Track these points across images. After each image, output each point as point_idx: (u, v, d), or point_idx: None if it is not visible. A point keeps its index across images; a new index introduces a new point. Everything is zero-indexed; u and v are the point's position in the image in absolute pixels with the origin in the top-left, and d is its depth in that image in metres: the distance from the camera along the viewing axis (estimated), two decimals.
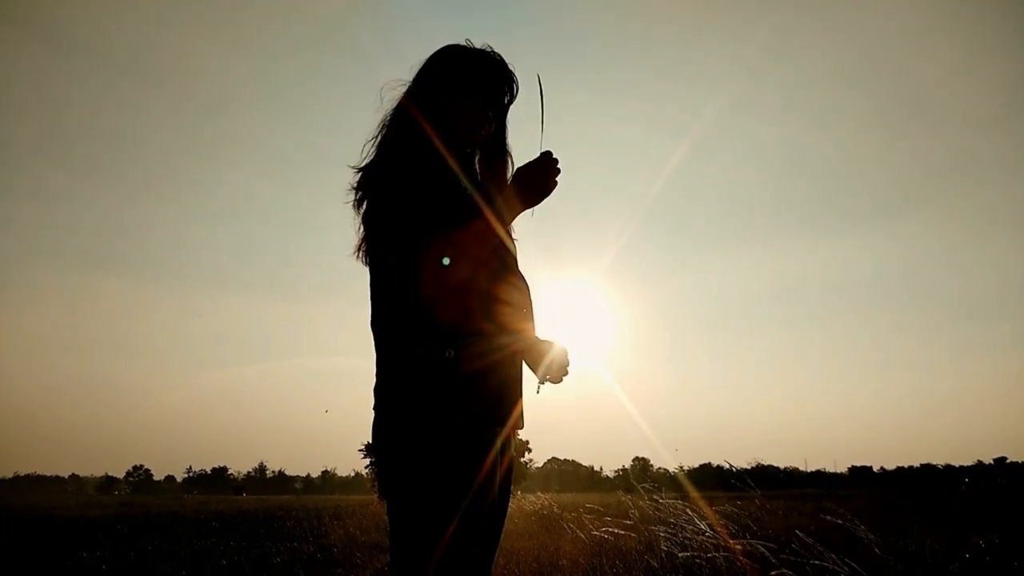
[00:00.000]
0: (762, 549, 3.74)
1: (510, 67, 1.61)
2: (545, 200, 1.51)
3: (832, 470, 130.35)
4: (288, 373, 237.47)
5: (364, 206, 1.52)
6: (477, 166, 1.66)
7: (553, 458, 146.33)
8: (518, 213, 1.49)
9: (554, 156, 1.47)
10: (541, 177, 1.46)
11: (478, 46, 1.60)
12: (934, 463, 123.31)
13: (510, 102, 1.64)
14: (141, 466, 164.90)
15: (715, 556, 3.99)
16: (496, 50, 1.61)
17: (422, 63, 1.61)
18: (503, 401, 1.45)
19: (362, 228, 1.54)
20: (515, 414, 1.47)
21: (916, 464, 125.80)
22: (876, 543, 4.13)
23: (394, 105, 1.60)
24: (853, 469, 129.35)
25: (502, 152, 1.66)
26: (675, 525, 4.87)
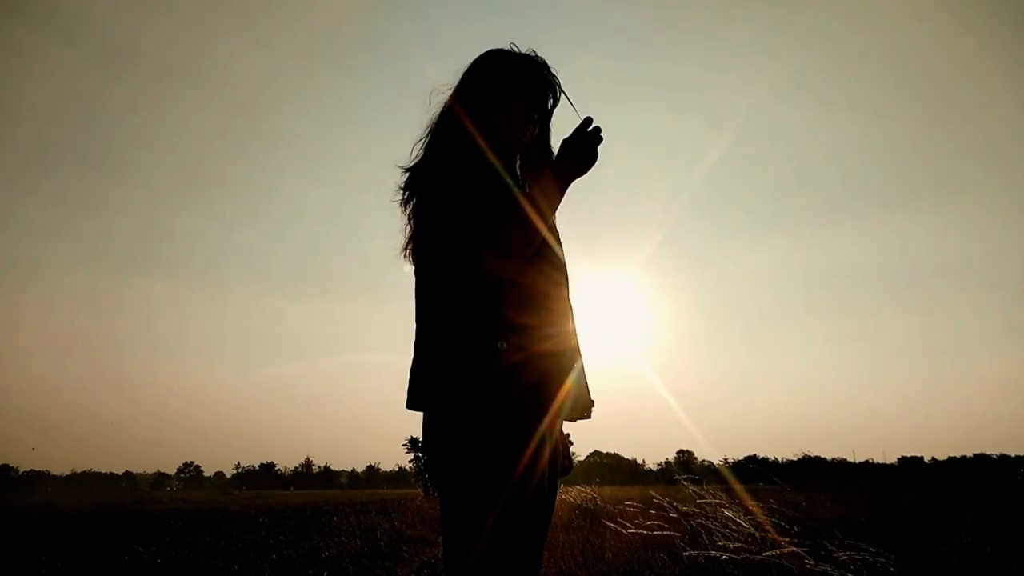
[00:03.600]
0: (820, 546, 3.69)
1: (554, 72, 1.63)
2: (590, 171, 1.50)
3: (881, 461, 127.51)
4: (332, 370, 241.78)
5: (411, 205, 1.55)
6: (519, 170, 1.67)
7: (595, 451, 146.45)
8: (560, 199, 1.49)
9: (594, 123, 1.47)
10: (582, 151, 1.48)
11: (523, 51, 1.62)
12: (988, 453, 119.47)
13: (554, 106, 1.66)
14: (192, 463, 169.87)
15: (759, 551, 3.95)
16: (540, 55, 1.63)
17: (467, 66, 1.64)
18: (545, 393, 1.44)
19: (409, 227, 1.57)
20: (556, 405, 1.46)
21: (969, 454, 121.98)
22: (924, 534, 4.04)
23: (441, 108, 1.62)
24: (903, 460, 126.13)
25: (545, 155, 1.68)
26: (719, 519, 4.84)
